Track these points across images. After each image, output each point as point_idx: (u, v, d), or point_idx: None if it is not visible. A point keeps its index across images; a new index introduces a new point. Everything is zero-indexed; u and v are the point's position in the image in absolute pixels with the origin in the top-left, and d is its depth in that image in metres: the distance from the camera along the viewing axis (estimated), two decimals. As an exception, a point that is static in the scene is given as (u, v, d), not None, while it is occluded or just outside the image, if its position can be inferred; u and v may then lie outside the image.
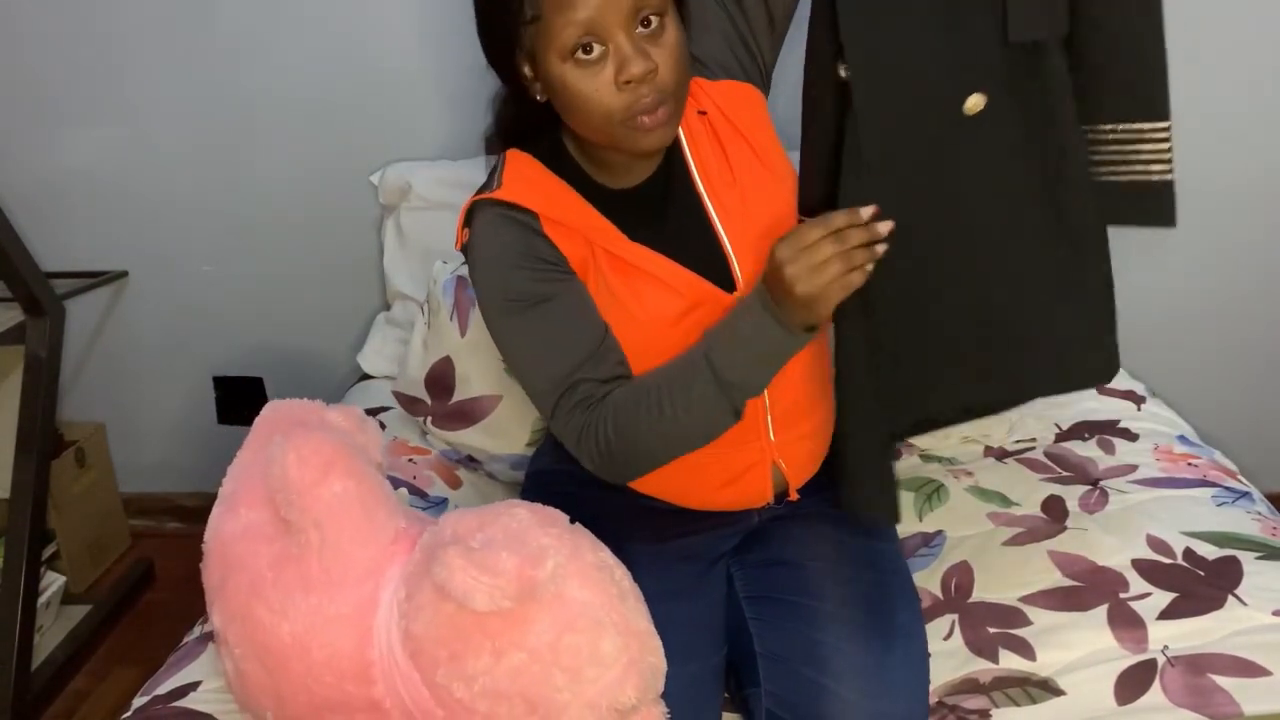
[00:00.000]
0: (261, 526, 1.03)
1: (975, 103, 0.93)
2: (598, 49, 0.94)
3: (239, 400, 2.13)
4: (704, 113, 1.09)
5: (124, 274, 2.05)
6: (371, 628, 0.97)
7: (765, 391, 1.05)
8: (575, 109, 0.98)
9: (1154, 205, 1.10)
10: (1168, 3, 1.06)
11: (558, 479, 1.27)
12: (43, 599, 1.86)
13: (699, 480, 1.16)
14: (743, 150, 1.09)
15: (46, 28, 1.88)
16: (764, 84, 1.16)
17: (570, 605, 0.92)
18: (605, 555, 1.00)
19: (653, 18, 0.95)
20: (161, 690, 1.14)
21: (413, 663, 0.95)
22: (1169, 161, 1.07)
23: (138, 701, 1.13)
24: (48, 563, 1.95)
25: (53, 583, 1.93)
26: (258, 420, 1.14)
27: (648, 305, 1.06)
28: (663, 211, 1.08)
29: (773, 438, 1.14)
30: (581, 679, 0.91)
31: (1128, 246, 1.96)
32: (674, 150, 1.09)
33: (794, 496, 1.19)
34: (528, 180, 1.07)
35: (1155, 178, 1.08)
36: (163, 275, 2.06)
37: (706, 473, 1.15)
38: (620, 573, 0.99)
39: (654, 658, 0.96)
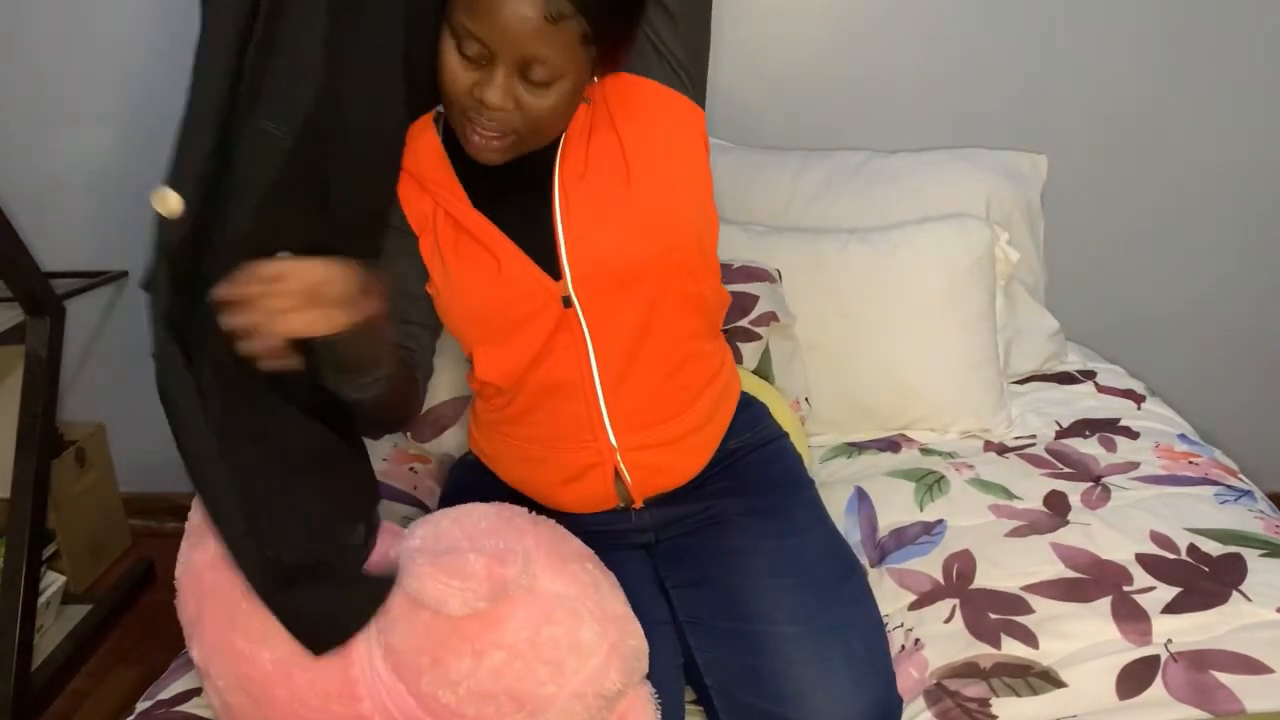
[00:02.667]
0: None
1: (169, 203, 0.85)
2: (481, 52, 0.93)
3: (239, 400, 2.13)
4: (587, 100, 1.06)
5: (124, 274, 2.05)
6: (350, 646, 0.96)
7: (600, 393, 1.08)
8: (439, 73, 0.96)
9: None
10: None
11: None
12: (43, 599, 1.86)
13: (538, 474, 1.16)
14: (636, 150, 1.06)
15: (47, 28, 1.88)
16: (689, 88, 1.09)
17: (544, 598, 0.92)
18: (574, 544, 1.00)
19: (539, 78, 0.94)
20: (165, 695, 1.13)
21: (396, 675, 0.94)
22: None
23: (141, 705, 1.13)
24: (48, 563, 1.95)
25: (53, 583, 1.93)
26: None
27: (470, 273, 1.06)
28: (512, 185, 1.07)
29: (614, 442, 1.11)
30: (564, 670, 0.91)
31: (1128, 246, 1.97)
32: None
33: (637, 504, 1.16)
34: (414, 135, 1.08)
35: None
36: (163, 275, 2.05)
37: (544, 467, 1.15)
38: (592, 562, 0.99)
39: (635, 640, 0.96)
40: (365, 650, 0.96)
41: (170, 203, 0.84)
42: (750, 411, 1.27)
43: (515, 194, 1.07)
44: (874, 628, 1.09)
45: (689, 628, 1.09)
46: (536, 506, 1.08)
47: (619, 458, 1.12)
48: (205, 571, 1.02)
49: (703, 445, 1.18)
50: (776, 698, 1.00)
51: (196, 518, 1.06)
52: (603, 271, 1.05)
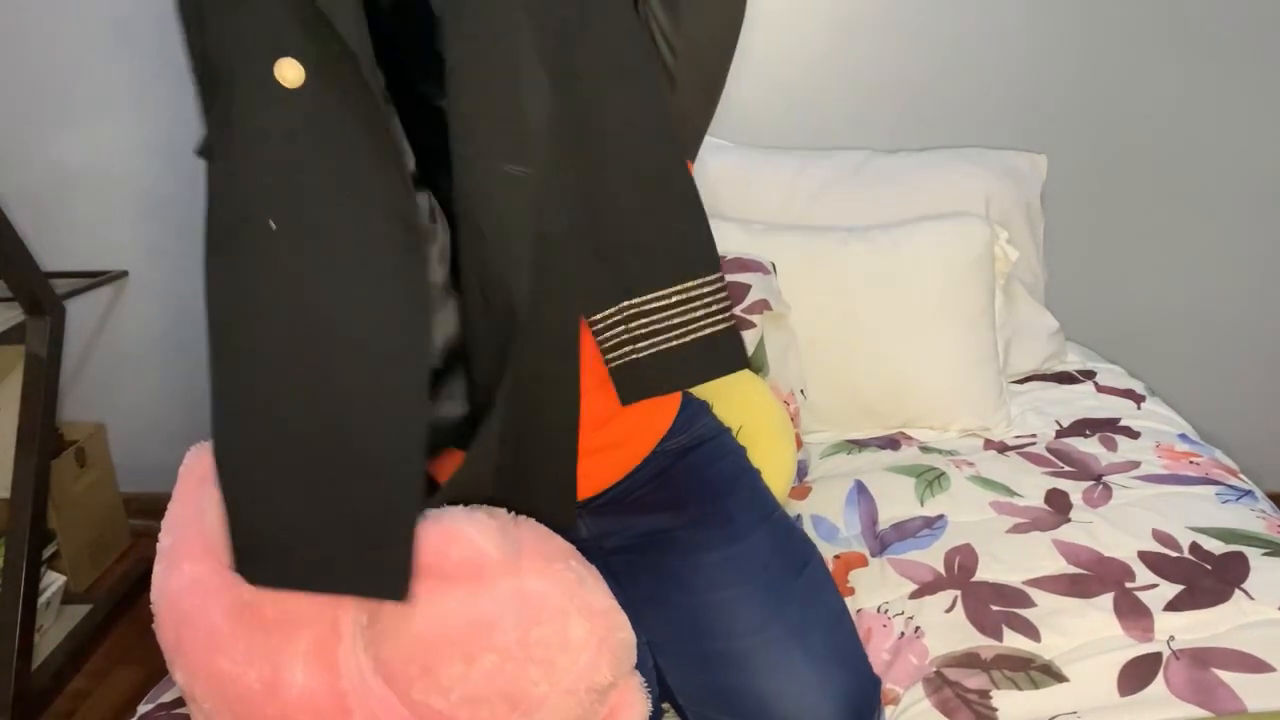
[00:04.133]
0: (208, 578, 0.99)
1: (290, 72, 0.79)
2: None
3: (239, 400, 2.13)
4: None
5: (124, 274, 2.05)
6: (338, 659, 0.95)
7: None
8: None
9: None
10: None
11: None
12: (43, 599, 1.86)
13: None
14: None
15: (47, 27, 1.88)
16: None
17: (531, 598, 0.92)
18: (557, 543, 0.99)
19: None
20: (166, 698, 1.13)
21: (387, 686, 0.93)
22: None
23: (142, 709, 1.12)
24: (48, 563, 1.95)
25: (53, 583, 1.93)
26: (182, 469, 1.09)
27: None
28: None
29: None
30: (556, 668, 0.91)
31: (1128, 246, 1.97)
32: None
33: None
34: None
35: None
36: (163, 275, 2.06)
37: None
38: (575, 559, 0.98)
39: (623, 633, 0.95)
40: (354, 663, 0.95)
41: None
42: (686, 412, 1.22)
43: None
44: (834, 616, 1.07)
45: (652, 648, 1.07)
46: None
47: None
48: (182, 596, 1.00)
49: (596, 470, 1.12)
50: (747, 713, 1.00)
51: (167, 540, 1.04)
52: None
